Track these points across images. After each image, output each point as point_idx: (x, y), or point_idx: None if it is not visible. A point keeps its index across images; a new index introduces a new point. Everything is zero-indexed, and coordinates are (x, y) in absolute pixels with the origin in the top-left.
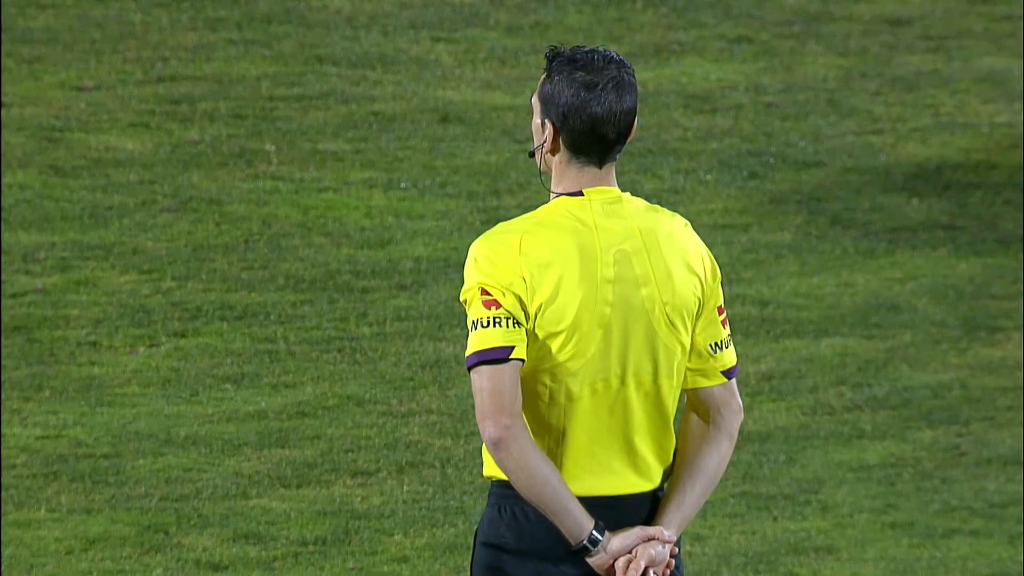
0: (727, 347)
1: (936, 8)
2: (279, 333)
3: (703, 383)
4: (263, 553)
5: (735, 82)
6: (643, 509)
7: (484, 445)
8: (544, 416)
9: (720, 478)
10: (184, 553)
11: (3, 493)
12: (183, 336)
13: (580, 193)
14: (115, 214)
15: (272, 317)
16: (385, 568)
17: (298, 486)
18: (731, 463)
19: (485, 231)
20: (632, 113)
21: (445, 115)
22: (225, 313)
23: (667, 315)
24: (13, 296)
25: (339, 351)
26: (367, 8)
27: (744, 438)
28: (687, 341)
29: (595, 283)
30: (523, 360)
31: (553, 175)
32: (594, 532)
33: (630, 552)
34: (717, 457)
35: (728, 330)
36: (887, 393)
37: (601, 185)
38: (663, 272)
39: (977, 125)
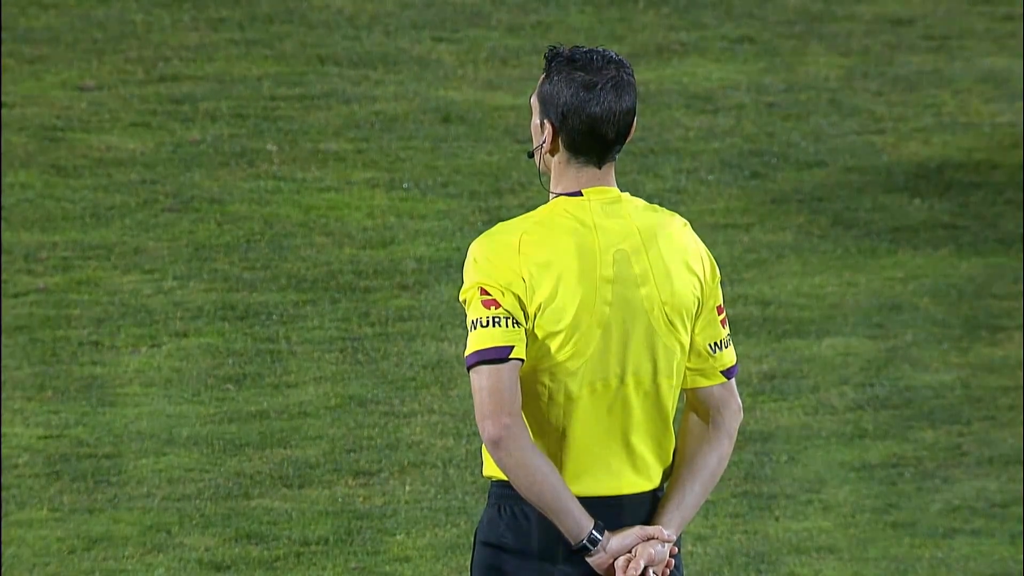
0: (726, 347)
1: (938, 8)
2: (281, 333)
3: (702, 383)
4: (265, 553)
5: (737, 82)
6: (643, 509)
7: (484, 445)
8: (543, 416)
9: (720, 478)
10: (186, 553)
11: (5, 493)
12: (185, 336)
13: (579, 193)
14: (117, 214)
15: (274, 317)
16: (387, 568)
17: (300, 486)
18: (733, 463)
19: (486, 231)
20: (631, 113)
21: (447, 115)
22: (227, 313)
23: (666, 315)
24: (15, 296)
25: (341, 351)
26: (369, 8)
27: (746, 438)
28: (686, 341)
29: (594, 283)
30: (522, 360)
31: (552, 175)
32: (593, 532)
33: (630, 551)
34: (717, 457)
35: (728, 330)
36: (889, 393)
37: (600, 185)
38: (662, 272)
39: (979, 125)
